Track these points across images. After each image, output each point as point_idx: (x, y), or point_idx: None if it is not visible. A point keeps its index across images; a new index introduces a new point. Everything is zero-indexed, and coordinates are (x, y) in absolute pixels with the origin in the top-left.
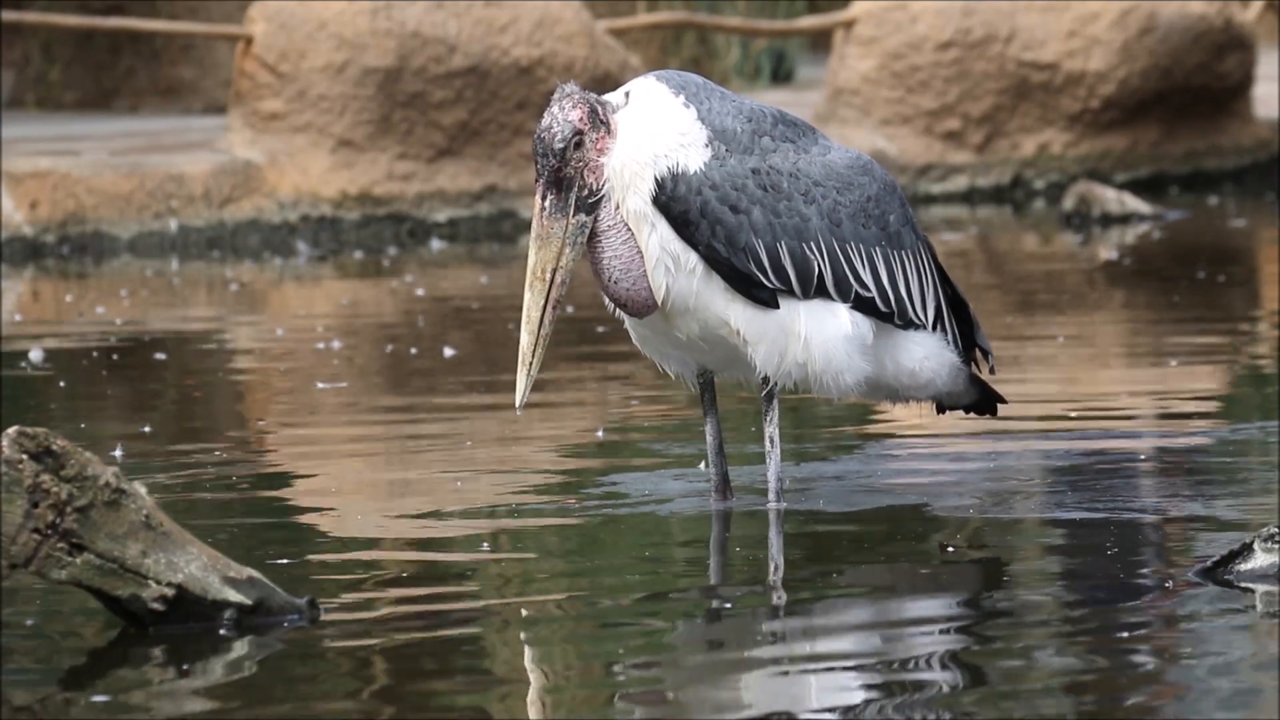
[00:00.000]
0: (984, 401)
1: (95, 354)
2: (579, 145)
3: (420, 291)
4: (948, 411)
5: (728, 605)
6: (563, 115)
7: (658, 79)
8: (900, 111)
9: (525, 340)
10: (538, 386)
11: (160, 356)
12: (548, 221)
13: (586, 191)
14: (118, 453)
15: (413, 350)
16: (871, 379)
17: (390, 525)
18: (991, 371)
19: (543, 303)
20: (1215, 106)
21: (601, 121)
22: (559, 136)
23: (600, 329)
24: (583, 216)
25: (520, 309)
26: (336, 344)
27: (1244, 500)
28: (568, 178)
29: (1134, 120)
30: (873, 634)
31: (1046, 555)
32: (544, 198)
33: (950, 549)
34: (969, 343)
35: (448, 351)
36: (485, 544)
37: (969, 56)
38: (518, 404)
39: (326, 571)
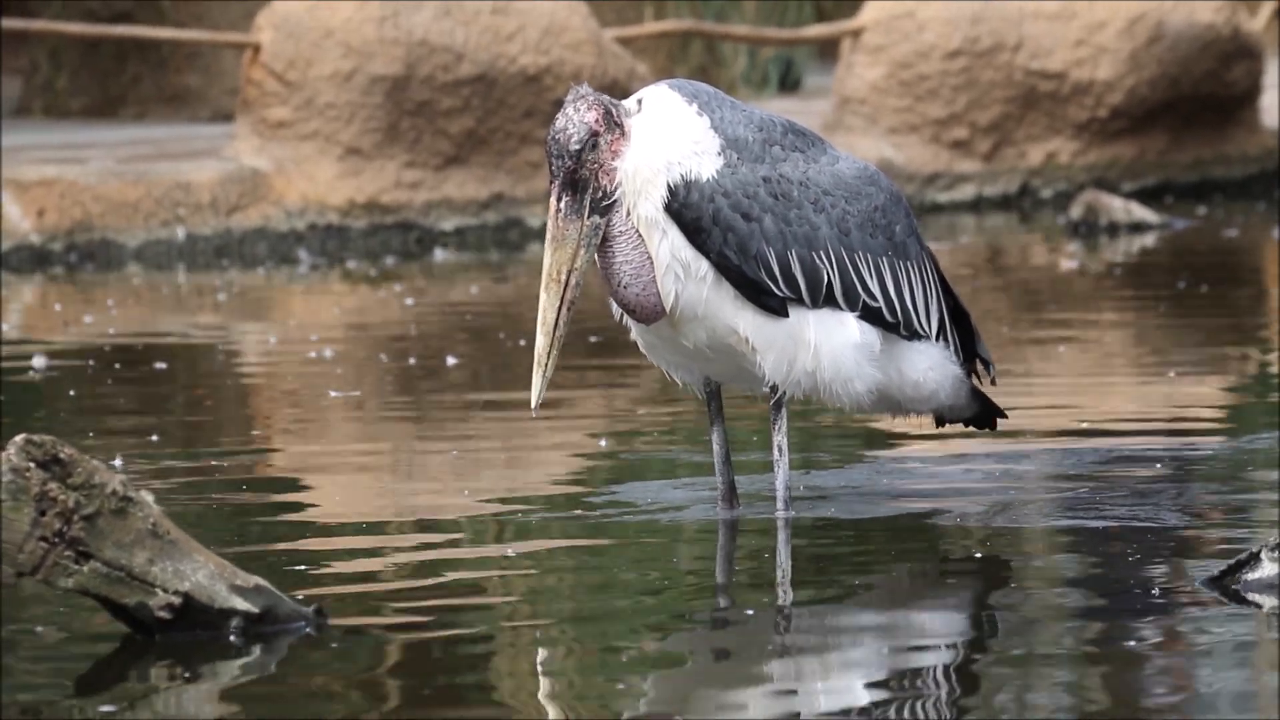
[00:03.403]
0: (984, 415)
1: (93, 362)
2: (594, 147)
3: (409, 301)
4: (947, 425)
5: (749, 612)
6: (578, 117)
7: (670, 87)
8: (908, 120)
9: (541, 341)
10: (546, 394)
11: (161, 365)
12: (563, 223)
13: (601, 193)
14: (118, 462)
15: (412, 360)
16: (881, 387)
17: (397, 533)
18: (993, 383)
19: (558, 304)
20: (1223, 115)
21: (616, 123)
22: (575, 138)
23: (593, 339)
24: (597, 218)
25: (526, 316)
26: (328, 352)
27: (1251, 510)
28: (583, 179)
29: (1141, 129)
30: (881, 643)
31: (1054, 564)
32: (559, 199)
33: (977, 555)
34: (970, 353)
35: (450, 360)
36: (492, 552)
37: (977, 65)
38: (533, 404)
39: (333, 579)
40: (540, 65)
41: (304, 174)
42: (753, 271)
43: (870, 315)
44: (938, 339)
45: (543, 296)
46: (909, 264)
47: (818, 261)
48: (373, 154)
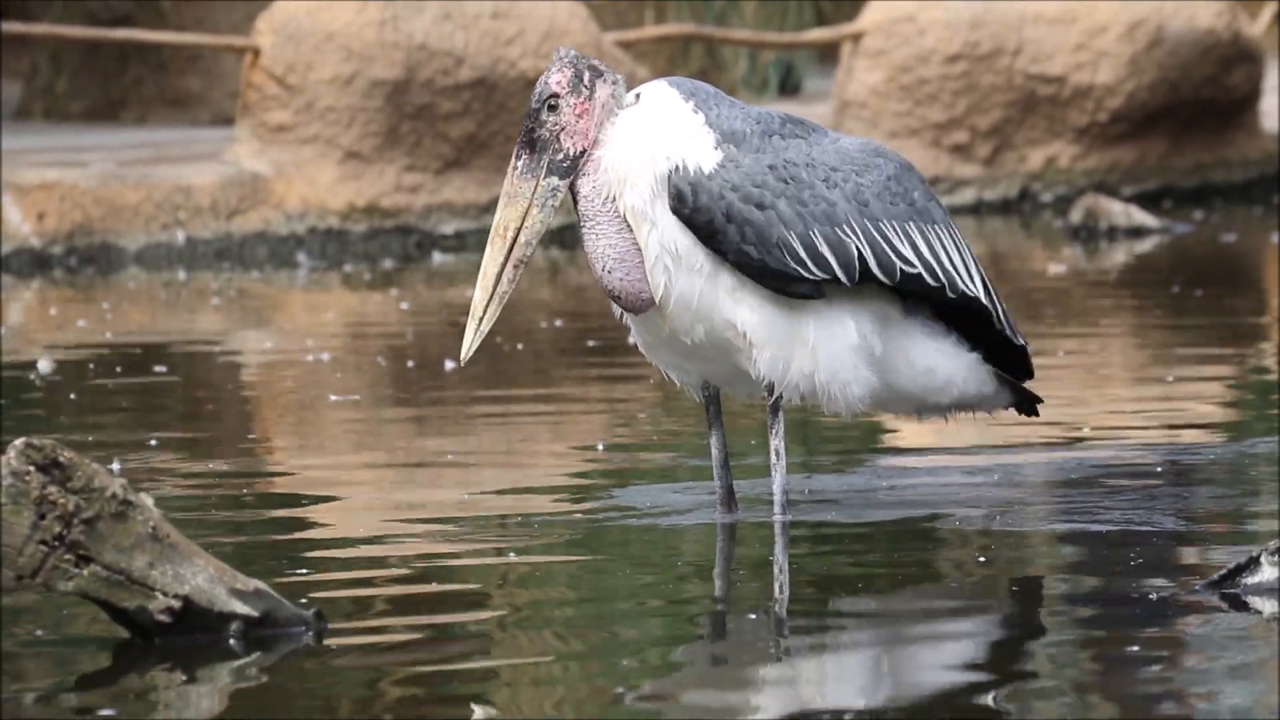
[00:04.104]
0: (1021, 400)
1: (93, 366)
2: (554, 109)
3: (409, 304)
4: (995, 411)
5: (750, 616)
6: (545, 78)
7: (670, 84)
8: (908, 124)
9: (478, 295)
10: (545, 398)
11: (161, 369)
12: (518, 180)
13: (562, 156)
14: (115, 466)
15: (410, 363)
16: (882, 390)
17: (397, 537)
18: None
19: (501, 260)
20: (1223, 119)
21: (585, 87)
22: (535, 98)
23: (591, 343)
24: (555, 180)
25: (524, 320)
26: (326, 356)
27: (1251, 514)
28: (541, 139)
29: (1141, 133)
30: (881, 647)
31: (1054, 568)
32: (518, 157)
33: (977, 559)
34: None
35: (449, 364)
36: (492, 556)
37: (977, 69)
38: (463, 357)
39: (333, 583)
40: (540, 69)
41: (304, 178)
42: (777, 261)
43: (911, 285)
44: (986, 298)
45: (486, 252)
46: (936, 227)
47: (843, 236)
48: (373, 158)
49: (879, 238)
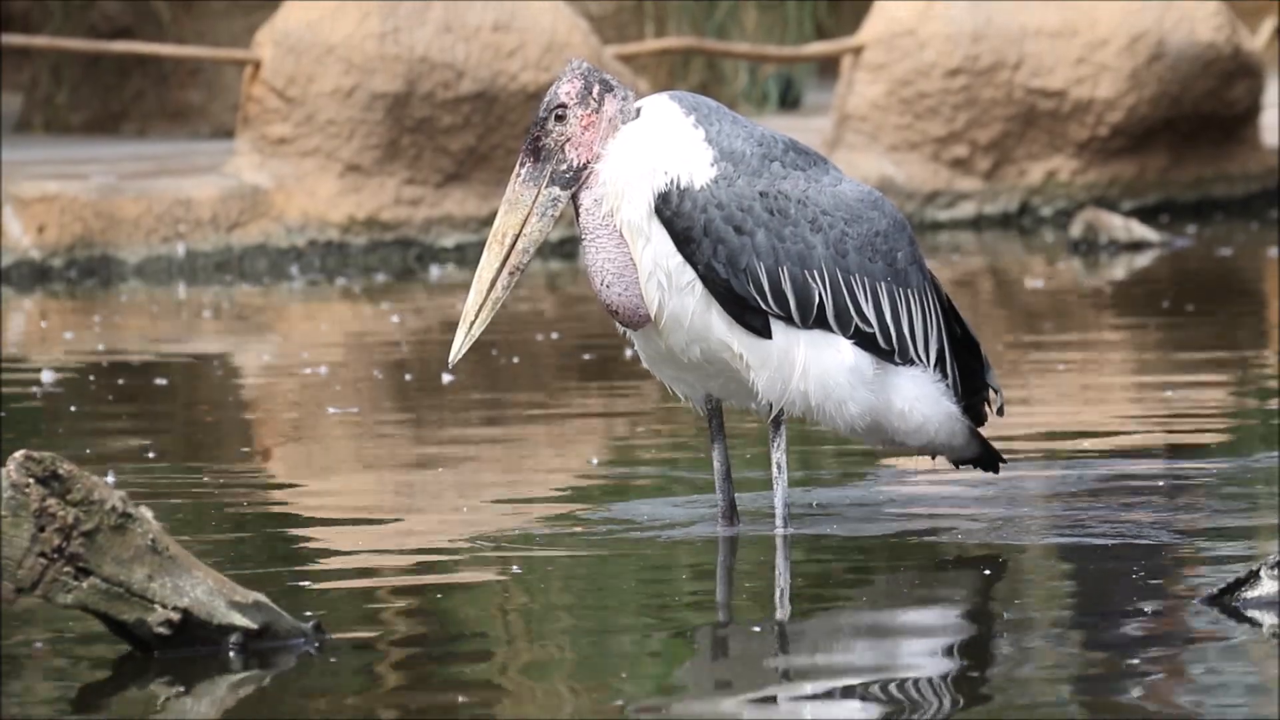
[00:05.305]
0: (984, 458)
1: (93, 378)
2: (560, 119)
3: (405, 318)
4: (957, 465)
5: (755, 628)
6: (555, 88)
7: (671, 98)
8: (908, 138)
9: (472, 298)
10: (543, 411)
11: (161, 381)
12: (520, 187)
13: (565, 166)
14: (110, 478)
15: (408, 376)
16: (873, 411)
17: (396, 550)
18: (1000, 412)
19: (497, 265)
20: (1223, 133)
21: (594, 99)
22: (544, 106)
23: (587, 356)
24: (556, 190)
25: (522, 333)
26: (324, 369)
27: (1250, 527)
28: (546, 148)
29: (1142, 147)
30: (881, 659)
31: (1053, 581)
32: (521, 164)
33: (977, 572)
34: (979, 382)
35: (446, 377)
36: (492, 569)
37: (977, 83)
38: (452, 359)
39: (332, 596)
40: (541, 82)
41: (304, 190)
42: (741, 286)
43: (863, 341)
44: (935, 369)
45: (483, 255)
46: (909, 292)
47: (810, 280)
48: (373, 171)
49: (845, 291)
